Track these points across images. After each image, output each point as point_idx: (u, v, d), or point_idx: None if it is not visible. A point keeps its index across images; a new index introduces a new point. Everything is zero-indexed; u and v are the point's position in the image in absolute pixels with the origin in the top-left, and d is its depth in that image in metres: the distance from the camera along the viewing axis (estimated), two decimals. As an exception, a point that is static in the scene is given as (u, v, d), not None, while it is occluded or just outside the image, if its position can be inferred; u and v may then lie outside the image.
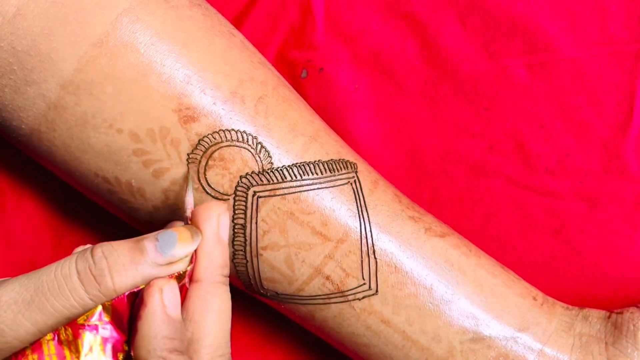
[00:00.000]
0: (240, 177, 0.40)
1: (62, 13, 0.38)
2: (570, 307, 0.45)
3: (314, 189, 0.40)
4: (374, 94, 0.50)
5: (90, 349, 0.34)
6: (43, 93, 0.38)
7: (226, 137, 0.39)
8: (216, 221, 0.36)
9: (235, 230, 0.40)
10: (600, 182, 0.49)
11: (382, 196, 0.42)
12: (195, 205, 0.38)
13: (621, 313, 0.44)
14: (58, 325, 0.33)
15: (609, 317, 0.44)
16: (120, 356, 0.34)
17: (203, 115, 0.39)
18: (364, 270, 0.41)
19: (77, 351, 0.34)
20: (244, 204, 0.40)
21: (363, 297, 0.41)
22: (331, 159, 0.41)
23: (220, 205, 0.37)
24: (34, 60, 0.38)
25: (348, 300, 0.41)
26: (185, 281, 0.36)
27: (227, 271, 0.37)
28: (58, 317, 0.33)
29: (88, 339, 0.34)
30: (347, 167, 0.42)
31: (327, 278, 0.41)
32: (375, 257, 0.41)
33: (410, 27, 0.50)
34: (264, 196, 0.40)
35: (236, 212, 0.40)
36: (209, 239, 0.36)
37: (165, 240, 0.35)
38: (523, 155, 0.49)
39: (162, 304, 0.34)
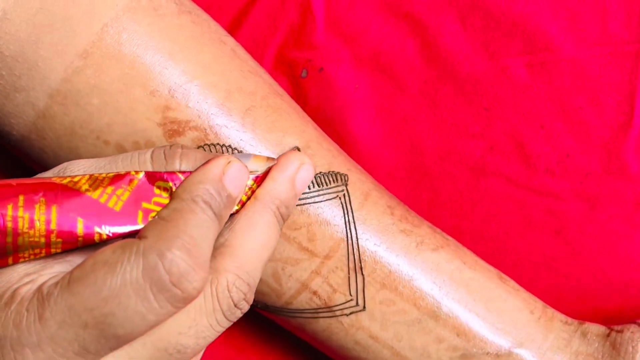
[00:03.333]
0: None
1: (49, 20, 0.37)
2: (569, 321, 0.44)
3: (301, 205, 0.40)
4: (374, 94, 0.50)
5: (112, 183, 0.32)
6: (32, 101, 0.38)
7: (211, 152, 0.39)
8: (296, 167, 0.36)
9: None
10: (601, 182, 0.49)
11: (372, 209, 0.41)
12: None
13: (621, 332, 0.43)
14: None
15: (608, 335, 0.43)
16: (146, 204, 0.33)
17: (188, 129, 0.39)
18: (351, 287, 0.40)
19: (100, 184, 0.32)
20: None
21: (350, 313, 0.41)
22: (320, 172, 0.41)
23: (306, 157, 0.37)
24: (21, 67, 0.37)
25: (336, 316, 0.41)
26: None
27: (285, 212, 0.36)
28: None
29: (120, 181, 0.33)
30: (337, 180, 0.41)
31: (314, 293, 0.40)
32: (362, 274, 0.40)
33: (410, 27, 0.50)
34: None
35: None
36: (282, 176, 0.36)
37: (241, 155, 0.36)
38: (523, 155, 0.49)
39: (222, 170, 0.33)
